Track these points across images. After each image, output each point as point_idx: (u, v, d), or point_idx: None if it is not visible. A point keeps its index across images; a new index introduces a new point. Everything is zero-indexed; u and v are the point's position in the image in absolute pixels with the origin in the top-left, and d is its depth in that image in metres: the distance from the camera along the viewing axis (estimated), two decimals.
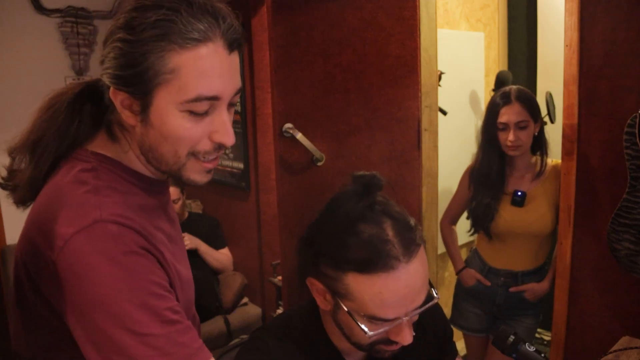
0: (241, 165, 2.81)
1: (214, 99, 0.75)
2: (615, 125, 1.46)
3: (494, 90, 2.52)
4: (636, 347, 1.36)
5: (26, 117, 0.85)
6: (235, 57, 0.78)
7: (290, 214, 1.78)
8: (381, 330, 0.83)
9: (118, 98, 0.76)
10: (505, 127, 1.81)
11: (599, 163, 1.54)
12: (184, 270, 0.90)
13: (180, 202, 2.70)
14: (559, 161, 1.74)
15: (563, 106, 1.59)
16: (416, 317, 0.87)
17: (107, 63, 0.75)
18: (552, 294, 1.75)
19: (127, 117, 0.77)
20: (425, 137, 1.74)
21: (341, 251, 0.83)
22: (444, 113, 2.46)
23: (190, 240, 2.69)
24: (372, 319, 0.82)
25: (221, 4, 0.77)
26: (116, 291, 0.69)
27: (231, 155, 2.87)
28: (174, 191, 2.60)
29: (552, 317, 1.72)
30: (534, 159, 1.88)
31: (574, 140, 1.57)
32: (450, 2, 2.57)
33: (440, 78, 2.36)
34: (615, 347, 1.38)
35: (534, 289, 1.88)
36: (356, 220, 0.83)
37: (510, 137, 1.79)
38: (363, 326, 0.82)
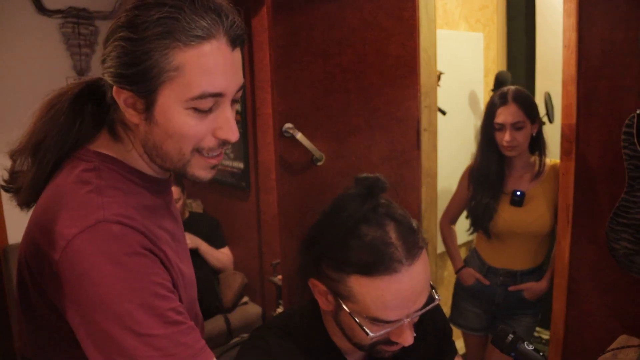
0: (241, 165, 2.82)
1: (218, 95, 0.75)
2: (614, 125, 1.46)
3: (493, 90, 2.53)
4: (634, 346, 1.37)
5: (27, 118, 0.84)
6: (238, 54, 0.78)
7: (290, 213, 1.78)
8: (382, 331, 0.83)
9: (121, 97, 0.75)
10: (502, 127, 1.82)
11: (597, 163, 1.54)
12: (187, 269, 0.90)
13: (181, 202, 2.70)
14: (558, 161, 1.74)
15: (562, 106, 1.59)
16: (417, 319, 0.88)
17: (109, 62, 0.74)
18: (550, 293, 1.76)
19: (131, 115, 0.77)
20: (424, 137, 1.75)
21: (344, 253, 0.83)
22: (443, 113, 2.46)
23: (191, 240, 2.69)
24: (373, 321, 0.82)
25: (223, 1, 0.76)
26: (119, 292, 0.68)
27: (231, 155, 2.87)
28: (175, 190, 2.60)
29: (550, 316, 1.73)
30: (532, 158, 1.89)
31: (573, 140, 1.57)
32: (449, 3, 2.58)
33: (439, 78, 2.36)
34: (613, 346, 1.39)
35: (532, 288, 1.89)
36: (359, 222, 0.83)
37: (506, 137, 1.80)
38: (365, 328, 0.82)
